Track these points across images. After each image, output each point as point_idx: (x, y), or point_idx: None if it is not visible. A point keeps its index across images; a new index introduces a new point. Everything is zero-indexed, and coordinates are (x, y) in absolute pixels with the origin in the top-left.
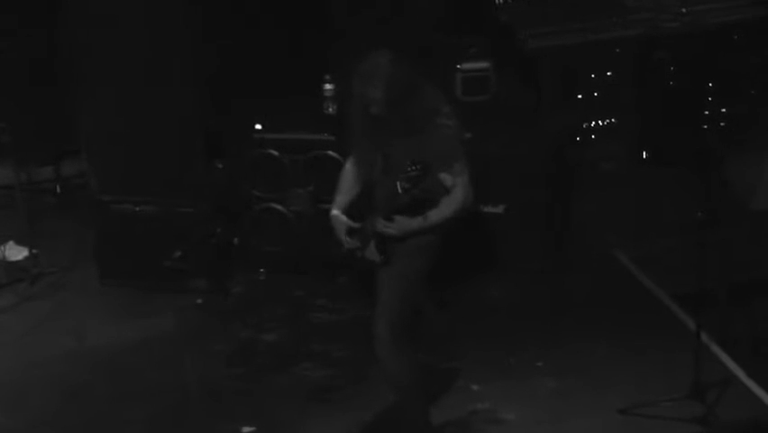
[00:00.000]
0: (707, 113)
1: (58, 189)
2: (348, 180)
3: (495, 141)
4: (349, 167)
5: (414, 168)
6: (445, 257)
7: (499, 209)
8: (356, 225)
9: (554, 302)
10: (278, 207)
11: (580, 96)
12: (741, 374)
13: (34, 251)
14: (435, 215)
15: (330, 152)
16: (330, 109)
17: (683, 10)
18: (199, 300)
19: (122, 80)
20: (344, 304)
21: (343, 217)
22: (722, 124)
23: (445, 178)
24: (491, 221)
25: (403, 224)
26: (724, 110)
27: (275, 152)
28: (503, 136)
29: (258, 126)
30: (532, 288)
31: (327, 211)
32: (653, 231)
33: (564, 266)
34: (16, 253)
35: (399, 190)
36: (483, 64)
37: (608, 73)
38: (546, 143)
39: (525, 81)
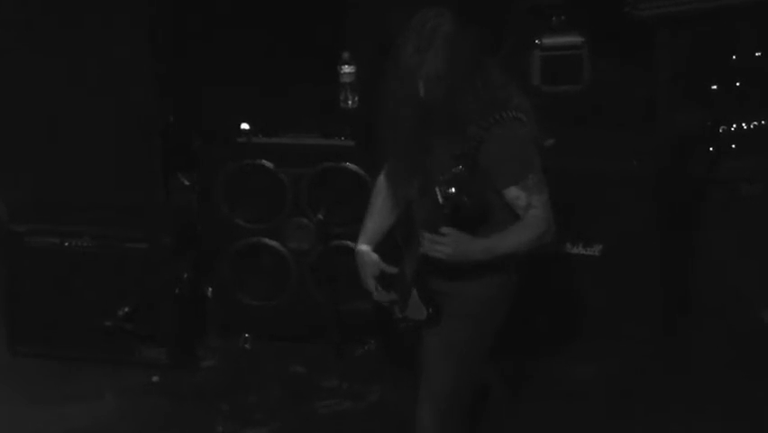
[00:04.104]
0: None
1: None
2: (382, 201)
3: (589, 150)
4: (383, 181)
5: (458, 167)
6: (517, 317)
7: (594, 251)
8: (392, 268)
9: (673, 384)
10: (272, 242)
11: (714, 87)
12: None
13: None
14: (505, 240)
15: (348, 165)
16: (349, 102)
17: None
18: (155, 378)
19: (41, 62)
20: (363, 386)
21: (374, 255)
22: None
23: (516, 195)
24: (582, 267)
25: (460, 240)
26: None
27: (268, 164)
28: (601, 144)
29: (244, 126)
30: (640, 363)
31: (342, 249)
32: None
33: (687, 333)
34: None
35: (440, 200)
36: (573, 39)
37: (757, 53)
38: (663, 155)
39: (635, 65)
